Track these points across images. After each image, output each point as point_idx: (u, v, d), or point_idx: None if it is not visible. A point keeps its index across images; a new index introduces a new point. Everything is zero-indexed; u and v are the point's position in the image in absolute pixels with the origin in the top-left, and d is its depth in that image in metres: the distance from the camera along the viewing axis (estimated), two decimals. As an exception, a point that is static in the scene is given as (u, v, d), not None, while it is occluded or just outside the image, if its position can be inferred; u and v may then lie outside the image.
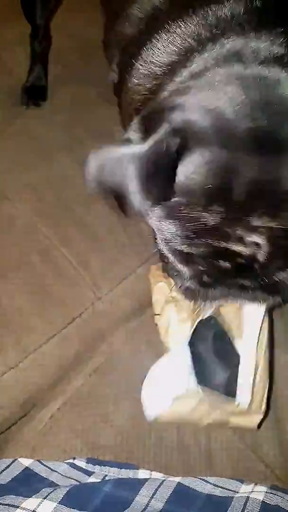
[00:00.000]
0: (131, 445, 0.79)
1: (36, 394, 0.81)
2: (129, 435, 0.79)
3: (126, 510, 0.63)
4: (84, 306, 0.87)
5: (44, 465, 0.72)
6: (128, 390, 0.82)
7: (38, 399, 0.81)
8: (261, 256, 0.54)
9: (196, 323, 0.76)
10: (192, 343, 0.76)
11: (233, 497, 0.68)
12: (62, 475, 0.71)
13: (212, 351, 0.79)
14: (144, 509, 0.64)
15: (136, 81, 0.72)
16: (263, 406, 0.74)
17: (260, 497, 0.65)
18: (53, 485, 0.68)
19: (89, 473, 0.72)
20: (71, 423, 0.80)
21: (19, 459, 0.73)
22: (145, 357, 0.84)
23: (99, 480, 0.69)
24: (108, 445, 0.79)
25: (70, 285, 0.88)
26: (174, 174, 0.53)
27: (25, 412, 0.80)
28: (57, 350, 0.80)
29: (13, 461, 0.72)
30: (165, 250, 0.59)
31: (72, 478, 0.70)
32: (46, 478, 0.70)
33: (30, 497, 0.62)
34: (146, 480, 0.69)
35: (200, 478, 0.71)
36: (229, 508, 0.64)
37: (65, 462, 0.74)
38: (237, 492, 0.69)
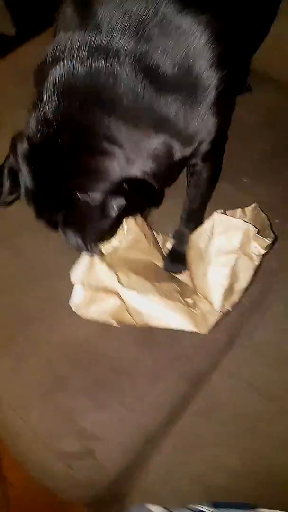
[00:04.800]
0: (246, 485, 0.79)
1: (149, 436, 0.82)
2: (242, 474, 0.80)
3: None
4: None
5: None
6: (233, 430, 0.83)
7: (151, 441, 0.82)
8: None
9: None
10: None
11: None
12: None
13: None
14: None
15: None
16: None
17: None
18: None
19: None
20: (184, 466, 0.80)
21: (147, 506, 0.73)
22: (244, 395, 0.86)
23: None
24: (223, 486, 0.79)
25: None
26: None
27: (143, 457, 0.80)
28: (168, 391, 0.81)
29: (141, 508, 0.72)
30: None
31: None
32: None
33: None
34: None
35: None
36: None
37: (191, 510, 0.74)
38: None
